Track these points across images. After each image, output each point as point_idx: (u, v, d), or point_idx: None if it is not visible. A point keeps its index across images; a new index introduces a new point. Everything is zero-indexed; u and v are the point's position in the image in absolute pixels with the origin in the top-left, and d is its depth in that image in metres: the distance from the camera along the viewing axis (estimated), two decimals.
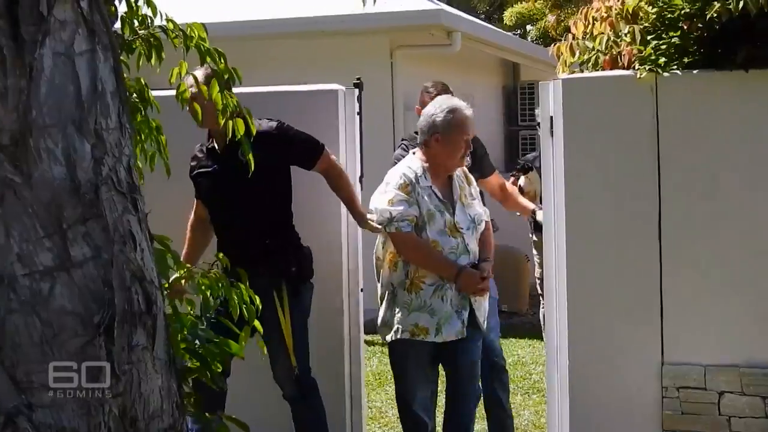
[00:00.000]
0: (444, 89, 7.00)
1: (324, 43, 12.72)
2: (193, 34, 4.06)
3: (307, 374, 5.89)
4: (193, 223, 6.18)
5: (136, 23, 4.07)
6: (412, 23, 12.72)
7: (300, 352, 5.81)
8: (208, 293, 3.94)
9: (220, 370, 3.88)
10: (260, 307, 4.15)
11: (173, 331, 3.55)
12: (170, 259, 3.81)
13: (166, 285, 3.78)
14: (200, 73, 4.86)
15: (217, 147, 5.88)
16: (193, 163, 6.06)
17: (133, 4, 4.00)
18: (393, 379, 6.18)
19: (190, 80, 4.53)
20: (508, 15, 28.07)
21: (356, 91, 6.62)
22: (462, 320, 5.80)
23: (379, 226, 5.79)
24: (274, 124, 5.88)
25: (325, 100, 6.46)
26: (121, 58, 4.00)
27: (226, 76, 4.12)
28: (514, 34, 25.28)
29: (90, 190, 3.04)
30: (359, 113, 6.63)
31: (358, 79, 6.84)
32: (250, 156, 4.35)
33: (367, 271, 6.50)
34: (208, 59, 4.08)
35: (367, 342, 11.21)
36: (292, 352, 5.73)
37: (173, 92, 4.37)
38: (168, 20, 4.05)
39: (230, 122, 4.16)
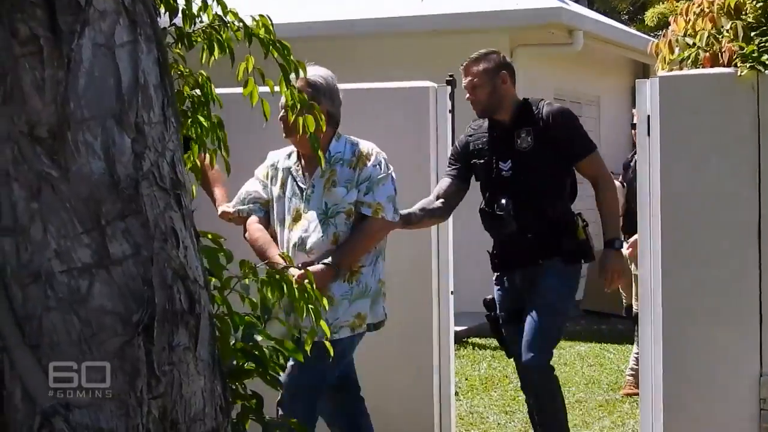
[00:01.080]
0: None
1: (442, 41, 12.56)
2: (259, 29, 3.96)
3: None
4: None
5: (205, 18, 3.96)
6: (532, 22, 12.60)
7: None
8: (268, 293, 3.80)
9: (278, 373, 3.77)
10: (326, 308, 4.01)
11: (224, 331, 3.43)
12: (223, 258, 3.73)
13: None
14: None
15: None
16: None
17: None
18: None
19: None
20: (650, 15, 27.72)
21: (448, 88, 6.47)
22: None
23: (230, 209, 5.46)
24: None
25: (417, 96, 6.32)
26: (179, 51, 3.96)
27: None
28: (655, 34, 24.91)
29: (130, 186, 2.95)
30: (452, 111, 6.47)
31: (451, 76, 6.74)
32: (320, 153, 4.24)
33: (458, 273, 6.33)
34: (273, 52, 3.97)
35: (477, 345, 11.11)
36: None
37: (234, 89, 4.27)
38: (231, 12, 3.94)
39: (300, 119, 4.04)
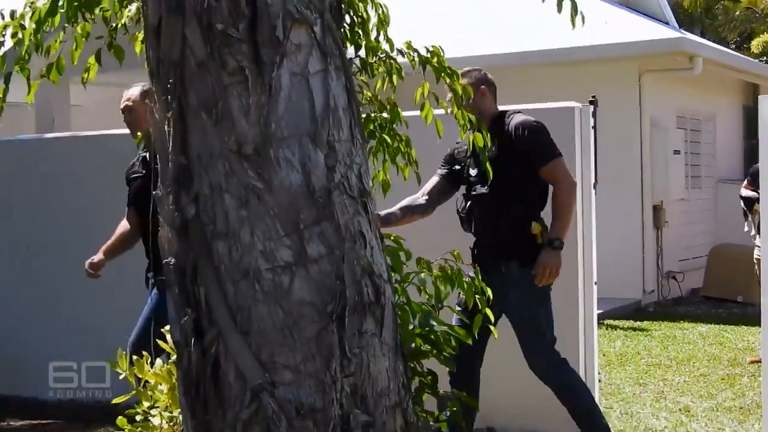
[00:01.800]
0: None
1: (580, 69, 12.47)
2: (432, 58, 3.91)
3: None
4: None
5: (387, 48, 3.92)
6: (658, 50, 12.50)
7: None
8: (441, 285, 3.74)
9: (450, 354, 3.71)
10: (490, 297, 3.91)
11: (404, 318, 3.37)
12: (403, 256, 3.68)
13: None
14: None
15: None
16: None
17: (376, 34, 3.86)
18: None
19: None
20: (756, 44, 27.84)
21: (591, 108, 6.30)
22: None
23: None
24: None
25: (564, 115, 6.16)
26: (363, 78, 3.93)
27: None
28: (760, 60, 24.54)
29: (324, 195, 2.98)
30: (594, 127, 6.29)
31: (593, 97, 6.57)
32: (488, 165, 4.19)
33: (600, 263, 6.13)
34: (445, 78, 3.92)
35: (611, 326, 10.86)
36: None
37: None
38: (406, 44, 3.89)
39: (471, 136, 4.04)
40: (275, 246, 2.93)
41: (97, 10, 3.51)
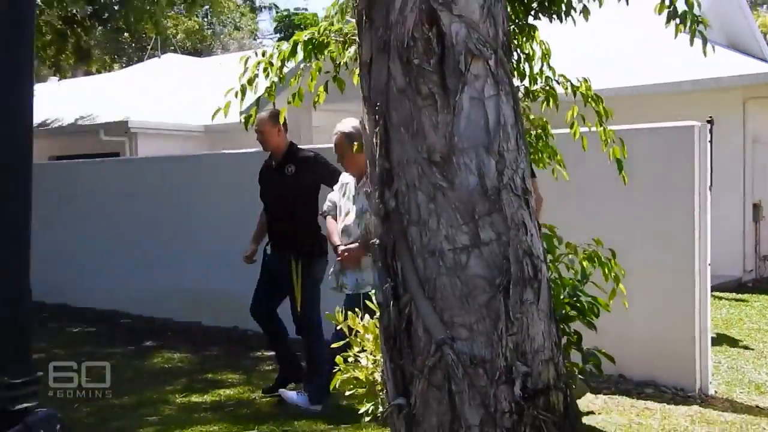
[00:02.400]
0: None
1: (690, 97, 12.01)
2: (581, 85, 3.84)
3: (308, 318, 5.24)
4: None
5: (539, 80, 3.88)
6: (762, 81, 11.86)
7: (306, 303, 5.22)
8: (585, 264, 3.68)
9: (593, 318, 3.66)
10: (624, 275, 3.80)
11: (556, 291, 3.34)
12: (555, 241, 3.63)
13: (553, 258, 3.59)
14: None
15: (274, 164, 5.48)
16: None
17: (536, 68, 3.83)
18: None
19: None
20: None
21: (708, 126, 6.03)
22: (336, 280, 4.89)
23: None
24: (312, 154, 5.51)
25: (686, 133, 5.88)
26: (527, 103, 3.90)
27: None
28: None
29: (494, 193, 2.98)
30: (710, 141, 6.01)
31: (711, 117, 6.29)
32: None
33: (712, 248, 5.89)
34: (591, 102, 3.84)
35: (718, 297, 10.36)
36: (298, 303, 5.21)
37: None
38: (562, 76, 3.83)
39: (610, 150, 3.95)
40: (456, 232, 2.95)
41: (325, 52, 3.64)
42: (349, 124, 4.99)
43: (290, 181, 5.22)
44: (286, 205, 5.22)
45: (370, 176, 3.19)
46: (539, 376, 3.02)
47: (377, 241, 3.17)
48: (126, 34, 18.75)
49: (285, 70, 3.69)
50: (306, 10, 32.52)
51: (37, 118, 14.38)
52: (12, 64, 1.42)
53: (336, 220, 4.99)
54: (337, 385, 3.71)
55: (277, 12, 33.78)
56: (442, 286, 2.97)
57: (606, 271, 3.72)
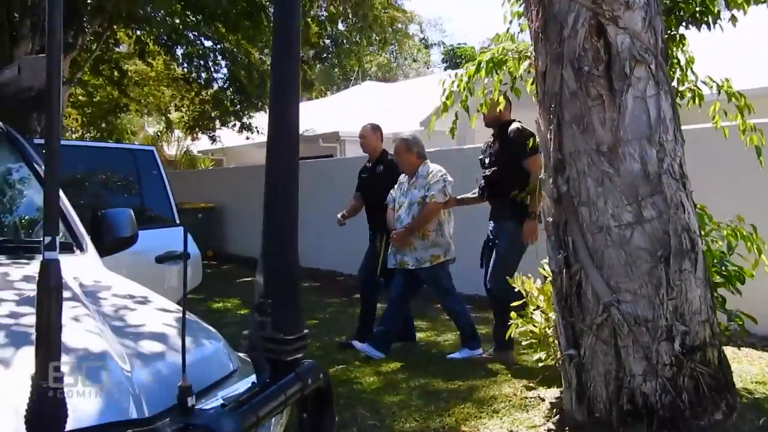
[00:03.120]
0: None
1: None
2: (723, 84, 3.33)
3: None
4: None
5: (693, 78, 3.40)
6: None
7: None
8: (730, 238, 3.18)
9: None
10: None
11: (707, 261, 2.89)
12: (706, 218, 3.16)
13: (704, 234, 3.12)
14: None
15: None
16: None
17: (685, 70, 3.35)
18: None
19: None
20: None
21: None
22: (394, 258, 4.59)
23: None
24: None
25: None
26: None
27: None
28: None
29: (655, 177, 2.64)
30: None
31: None
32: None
33: None
34: (733, 98, 3.32)
35: None
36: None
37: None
38: (708, 76, 3.34)
39: (748, 138, 3.42)
40: (621, 211, 2.61)
41: (504, 68, 3.36)
42: (408, 133, 4.85)
43: (380, 178, 4.98)
44: (377, 195, 4.94)
45: (544, 166, 2.90)
46: (696, 335, 2.63)
47: (550, 219, 2.89)
48: (336, 69, 19.20)
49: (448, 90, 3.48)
50: (466, 44, 31.96)
51: None
52: (284, 73, 1.29)
53: (394, 211, 4.71)
54: (512, 335, 3.46)
55: (444, 47, 33.60)
56: (609, 256, 2.65)
57: (749, 244, 3.21)
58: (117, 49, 13.24)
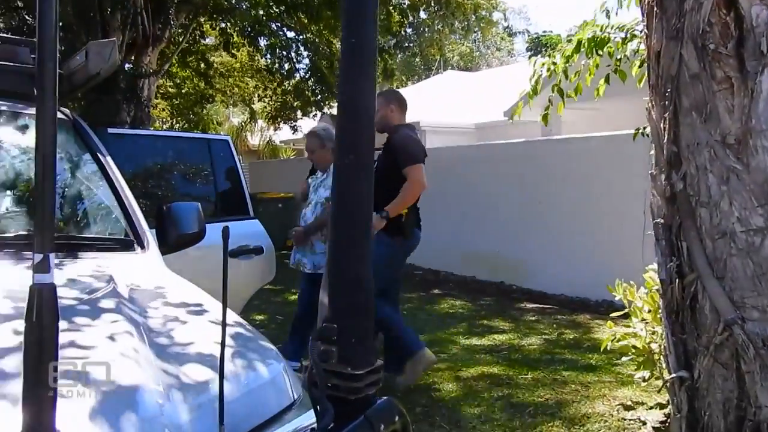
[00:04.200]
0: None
1: None
2: None
3: None
4: None
5: None
6: None
7: None
8: None
9: None
10: None
11: None
12: None
13: None
14: None
15: None
16: None
17: None
18: None
19: None
20: None
21: None
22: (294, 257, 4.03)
23: None
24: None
25: None
26: None
27: None
28: None
29: None
30: None
31: None
32: None
33: None
34: None
35: None
36: None
37: None
38: None
39: None
40: (750, 214, 2.21)
41: (605, 48, 2.98)
42: (319, 125, 4.34)
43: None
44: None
45: (656, 160, 2.53)
46: None
47: (661, 221, 2.52)
48: (418, 59, 18.88)
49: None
50: (551, 32, 30.82)
51: None
52: (359, 66, 1.06)
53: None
54: (608, 347, 3.10)
55: (528, 35, 32.56)
56: (733, 267, 2.24)
57: None
58: (203, 41, 13.48)
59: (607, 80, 3.15)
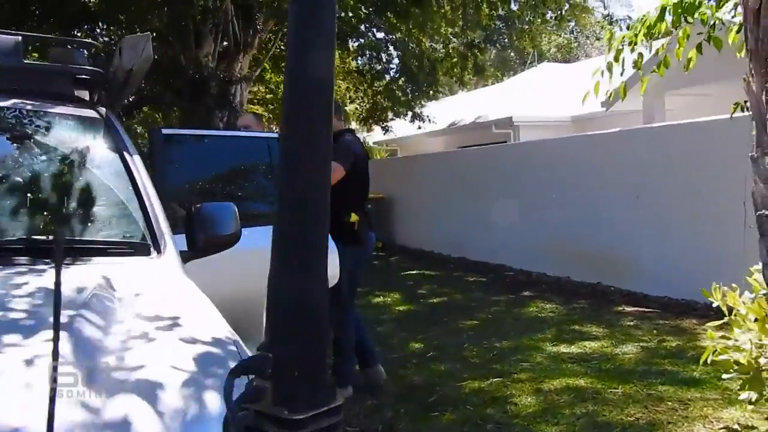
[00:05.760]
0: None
1: None
2: None
3: None
4: None
5: None
6: None
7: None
8: None
9: None
10: None
11: None
12: None
13: None
14: None
15: None
16: None
17: None
18: None
19: None
20: None
21: None
22: None
23: None
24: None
25: None
26: None
27: None
28: None
29: None
30: None
31: None
32: None
33: None
34: None
35: None
36: None
37: None
38: None
39: None
40: None
41: (696, 14, 2.55)
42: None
43: None
44: None
45: (757, 139, 2.11)
46: None
47: (765, 213, 2.10)
48: (511, 52, 18.26)
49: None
50: None
51: (449, 119, 14.55)
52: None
53: None
54: (708, 361, 2.66)
55: (630, 22, 30.80)
56: None
57: None
58: None
59: (699, 49, 2.70)
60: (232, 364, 1.05)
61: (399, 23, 11.40)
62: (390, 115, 13.91)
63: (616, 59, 2.79)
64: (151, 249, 1.77)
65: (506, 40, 12.68)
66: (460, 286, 7.20)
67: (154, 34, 9.52)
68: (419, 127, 13.34)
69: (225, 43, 9.82)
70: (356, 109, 15.27)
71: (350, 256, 3.43)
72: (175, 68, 9.40)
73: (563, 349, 4.43)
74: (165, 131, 2.95)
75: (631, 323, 5.08)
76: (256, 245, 3.07)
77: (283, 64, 13.82)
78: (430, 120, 13.10)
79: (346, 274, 3.37)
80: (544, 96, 14.16)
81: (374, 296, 6.75)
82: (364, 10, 11.47)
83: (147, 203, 1.88)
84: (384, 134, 14.58)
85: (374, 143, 18.01)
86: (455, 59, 12.78)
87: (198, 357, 1.07)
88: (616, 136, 6.90)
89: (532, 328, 5.09)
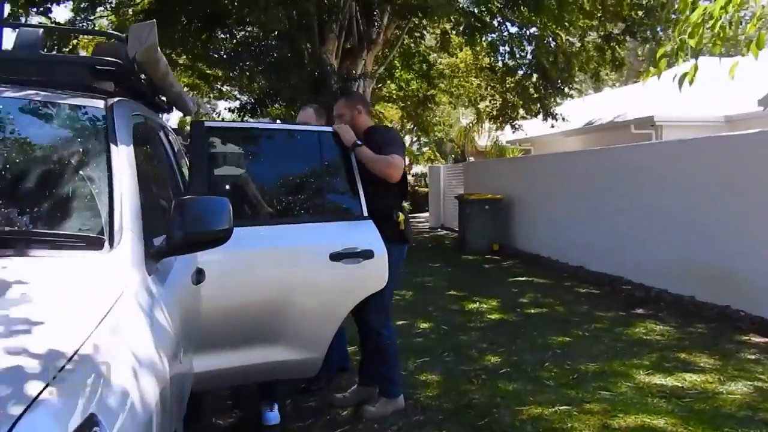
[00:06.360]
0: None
1: None
2: None
3: None
4: None
5: None
6: None
7: None
8: None
9: None
10: None
11: None
12: None
13: None
14: None
15: None
16: None
17: None
18: None
19: None
20: None
21: None
22: None
23: None
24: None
25: None
26: None
27: None
28: None
29: None
30: None
31: None
32: None
33: None
34: None
35: None
36: None
37: None
38: None
39: None
40: None
41: None
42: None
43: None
44: None
45: None
46: None
47: None
48: (654, 45, 16.71)
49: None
50: None
51: (584, 119, 13.67)
52: None
53: None
54: None
55: None
56: None
57: None
58: (423, 43, 13.55)
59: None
60: (40, 384, 0.89)
61: (534, 16, 10.85)
62: (521, 112, 13.34)
63: (696, 31, 2.30)
64: (105, 243, 1.69)
65: (648, 32, 11.60)
66: (567, 297, 6.64)
67: (279, 33, 9.86)
68: (552, 126, 12.67)
69: (350, 40, 9.90)
70: (486, 106, 14.83)
71: (397, 253, 3.33)
72: (297, 65, 9.62)
73: (657, 379, 3.86)
74: (208, 124, 2.90)
75: (752, 356, 4.34)
76: (297, 243, 2.97)
77: (412, 61, 13.74)
78: (563, 119, 12.38)
79: (391, 277, 3.19)
80: (694, 93, 12.83)
81: (470, 301, 6.41)
82: (497, 4, 11.04)
83: (117, 197, 1.81)
84: (513, 132, 14.02)
85: (507, 142, 17.44)
86: (591, 53, 11.97)
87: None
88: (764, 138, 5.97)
89: (629, 351, 4.52)
